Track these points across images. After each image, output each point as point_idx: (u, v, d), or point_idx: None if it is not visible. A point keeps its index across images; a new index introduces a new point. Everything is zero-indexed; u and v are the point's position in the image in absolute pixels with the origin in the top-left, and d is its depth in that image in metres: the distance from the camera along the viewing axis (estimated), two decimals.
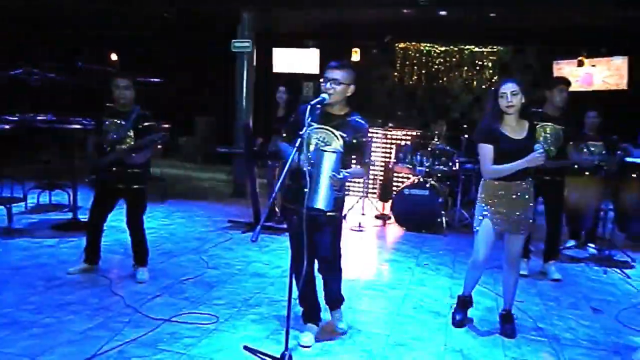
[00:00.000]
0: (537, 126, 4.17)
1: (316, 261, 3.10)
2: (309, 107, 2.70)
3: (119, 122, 3.86)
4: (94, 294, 3.62)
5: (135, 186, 3.92)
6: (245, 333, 3.16)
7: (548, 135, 4.30)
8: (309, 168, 2.79)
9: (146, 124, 3.89)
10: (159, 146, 4.03)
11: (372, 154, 7.12)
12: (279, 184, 2.58)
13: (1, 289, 3.60)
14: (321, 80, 2.91)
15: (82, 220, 5.30)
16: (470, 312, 3.61)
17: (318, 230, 3.01)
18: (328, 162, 2.70)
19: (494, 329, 3.41)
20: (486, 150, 3.17)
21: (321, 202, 2.72)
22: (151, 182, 7.14)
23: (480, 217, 3.26)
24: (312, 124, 2.90)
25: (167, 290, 3.78)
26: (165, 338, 3.03)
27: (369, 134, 3.06)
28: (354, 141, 2.92)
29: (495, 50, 9.56)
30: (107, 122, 3.89)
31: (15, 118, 5.36)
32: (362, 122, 2.98)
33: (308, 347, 3.04)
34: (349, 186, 7.86)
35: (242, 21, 7.56)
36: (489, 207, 3.22)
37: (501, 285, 3.55)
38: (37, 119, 5.31)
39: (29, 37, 8.12)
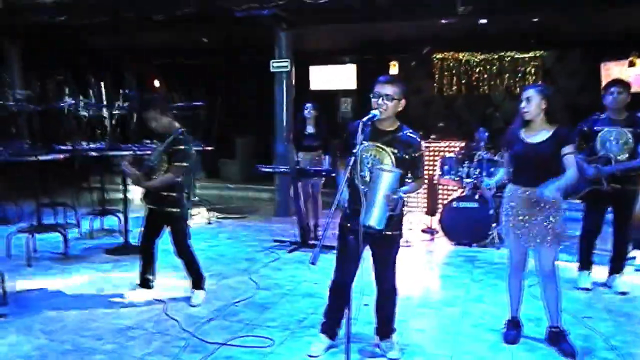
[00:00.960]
0: (603, 131, 4.02)
1: (375, 284, 3.07)
2: (360, 124, 2.66)
3: (158, 145, 3.94)
4: (150, 319, 3.66)
5: (167, 209, 3.89)
6: (301, 355, 3.10)
7: (613, 141, 4.04)
8: (363, 187, 2.80)
9: (175, 147, 3.82)
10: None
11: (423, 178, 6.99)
12: (334, 205, 2.54)
13: (62, 316, 3.69)
14: (371, 95, 2.87)
15: (133, 244, 5.42)
16: (535, 330, 3.44)
17: (376, 250, 2.99)
18: (385, 181, 2.67)
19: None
20: (506, 156, 3.30)
21: (375, 220, 2.70)
22: (194, 204, 7.29)
23: (505, 225, 3.23)
24: (363, 142, 2.87)
25: (220, 313, 3.78)
26: None
27: (422, 149, 2.98)
28: (406, 157, 2.87)
29: (537, 55, 9.31)
30: (154, 147, 4.00)
31: (68, 147, 5.55)
32: (414, 136, 2.92)
33: (315, 356, 3.04)
34: None
35: (278, 41, 7.65)
36: (510, 212, 3.18)
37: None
38: (90, 147, 5.48)
39: (77, 68, 8.49)
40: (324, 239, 2.42)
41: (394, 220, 2.89)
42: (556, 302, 3.18)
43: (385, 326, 3.19)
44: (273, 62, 7.62)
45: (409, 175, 2.95)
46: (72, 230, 6.09)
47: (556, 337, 3.19)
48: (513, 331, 3.34)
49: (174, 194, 3.88)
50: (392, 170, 2.71)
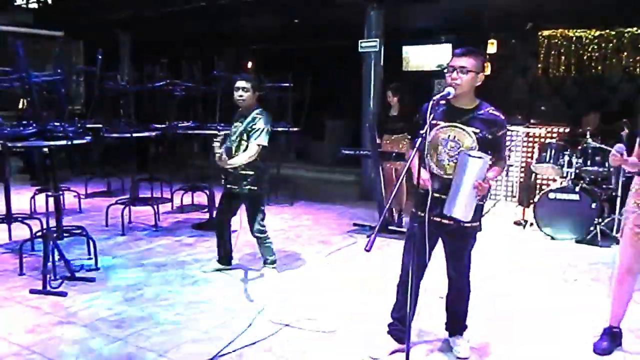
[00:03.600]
0: None
1: (447, 278, 2.88)
2: (430, 103, 2.43)
3: (239, 125, 3.91)
4: (222, 294, 3.74)
5: (247, 188, 3.90)
6: (365, 344, 2.98)
7: None
8: (440, 172, 2.61)
9: (255, 126, 3.82)
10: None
11: (513, 154, 6.49)
12: (395, 190, 2.36)
13: (144, 284, 3.90)
14: (445, 71, 2.62)
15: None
16: (636, 342, 3.01)
17: (450, 243, 2.78)
18: (473, 168, 2.45)
19: None
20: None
21: (460, 212, 2.51)
22: (281, 183, 7.42)
23: (624, 220, 2.80)
24: (439, 122, 2.65)
25: (289, 294, 3.77)
26: (283, 343, 2.99)
27: (506, 127, 2.70)
28: (489, 136, 2.60)
29: None
30: (234, 125, 4.00)
31: (162, 125, 5.85)
32: (496, 113, 2.64)
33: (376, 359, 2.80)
34: None
35: (368, 20, 7.43)
36: (634, 207, 2.74)
37: None
38: (179, 125, 5.73)
39: (171, 51, 8.97)
40: (378, 226, 2.25)
41: (477, 211, 2.64)
42: None
43: (455, 323, 2.98)
44: (361, 42, 7.43)
45: (491, 157, 2.64)
46: (165, 204, 6.47)
47: None
48: (606, 342, 2.94)
49: (253, 173, 3.88)
50: (482, 157, 2.47)
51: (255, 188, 3.92)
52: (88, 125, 6.21)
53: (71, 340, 2.97)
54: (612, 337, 2.97)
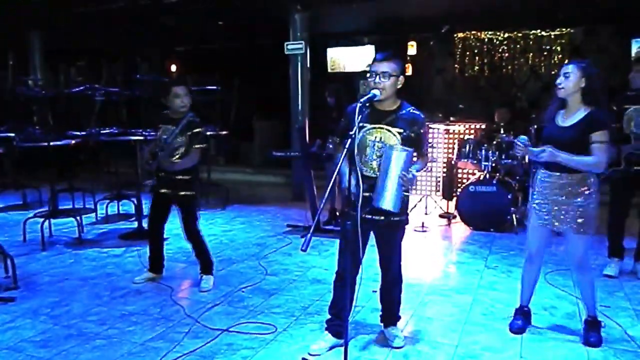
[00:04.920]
0: (630, 110, 3.84)
1: (380, 270, 3.00)
2: (358, 105, 2.54)
3: (171, 128, 3.86)
4: (156, 304, 3.65)
5: (182, 192, 3.87)
6: (303, 343, 3.04)
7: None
8: (368, 171, 2.73)
9: (195, 130, 3.85)
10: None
11: (434, 150, 6.82)
12: (328, 190, 2.43)
13: (69, 300, 3.71)
14: (367, 75, 2.75)
15: (146, 229, 5.44)
16: (549, 319, 3.30)
17: (381, 236, 2.90)
18: (397, 161, 2.59)
19: (575, 338, 3.09)
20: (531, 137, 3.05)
21: (389, 202, 2.63)
22: (212, 188, 7.31)
23: (530, 208, 3.08)
24: (365, 125, 2.76)
25: (226, 299, 3.75)
26: (222, 349, 2.97)
27: (426, 124, 2.88)
28: (412, 135, 2.76)
29: (564, 32, 8.90)
30: (161, 128, 3.90)
31: (82, 133, 5.58)
32: (417, 112, 2.81)
33: (316, 355, 2.87)
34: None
35: (293, 22, 7.50)
36: (537, 197, 3.02)
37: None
38: (101, 132, 5.49)
39: (88, 52, 8.54)
40: (315, 224, 2.31)
41: (403, 203, 2.78)
42: (591, 291, 3.03)
43: (390, 313, 3.11)
44: (287, 44, 7.49)
45: (415, 153, 2.82)
46: (88, 215, 6.17)
47: (591, 326, 3.04)
48: (520, 320, 3.20)
49: (188, 177, 3.88)
50: (405, 150, 2.61)
51: (191, 192, 3.91)
52: None
53: None
54: (524, 316, 3.24)
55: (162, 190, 3.92)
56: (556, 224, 2.94)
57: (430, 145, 6.16)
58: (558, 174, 2.90)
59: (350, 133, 2.49)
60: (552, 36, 8.95)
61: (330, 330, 2.99)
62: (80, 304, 3.64)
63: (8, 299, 3.66)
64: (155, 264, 4.17)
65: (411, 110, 2.79)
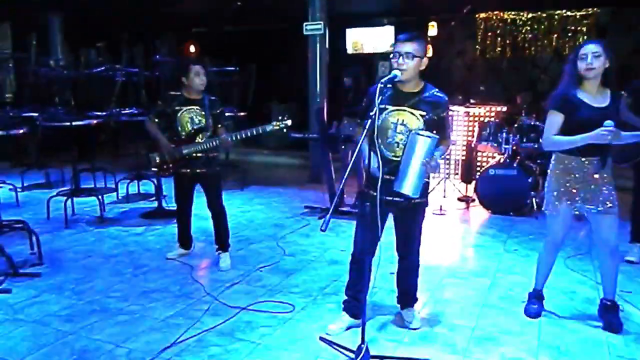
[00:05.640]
0: None
1: (397, 254, 2.99)
2: (378, 86, 2.51)
3: (197, 109, 3.88)
4: (176, 282, 3.71)
5: (208, 171, 3.94)
6: (321, 323, 3.07)
7: None
8: (390, 154, 2.70)
9: (220, 109, 3.98)
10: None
11: (453, 133, 6.75)
12: (347, 171, 2.42)
13: (92, 277, 3.80)
14: (391, 56, 2.70)
15: (167, 208, 5.53)
16: (568, 303, 3.28)
17: (400, 219, 2.88)
18: (422, 147, 2.55)
19: (594, 323, 3.06)
20: (555, 119, 2.86)
21: (409, 188, 2.61)
22: (231, 169, 7.35)
23: (550, 197, 2.98)
24: (388, 106, 2.74)
25: (244, 278, 3.80)
26: (241, 327, 3.02)
27: (449, 108, 2.82)
28: (435, 117, 2.72)
29: (590, 13, 8.65)
30: (182, 110, 3.86)
31: (102, 113, 5.64)
32: (441, 95, 2.76)
33: (332, 335, 2.88)
34: None
35: (312, 3, 7.42)
36: (560, 184, 2.94)
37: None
38: (121, 113, 5.55)
39: (110, 35, 8.57)
40: (332, 206, 2.31)
41: (422, 188, 2.76)
42: (615, 275, 2.99)
43: (407, 296, 3.11)
44: (306, 25, 7.42)
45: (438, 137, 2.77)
46: (109, 194, 6.27)
47: (610, 310, 3.01)
48: (536, 305, 3.19)
49: (216, 154, 4.03)
50: (430, 136, 2.57)
51: (219, 169, 4.07)
52: (23, 115, 5.93)
53: (19, 338, 2.88)
54: (539, 300, 3.22)
55: (187, 170, 3.95)
56: (588, 207, 2.89)
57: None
58: (594, 159, 2.83)
59: (371, 114, 2.47)
60: (578, 16, 8.71)
61: (347, 311, 3.01)
62: (103, 281, 3.73)
63: (34, 274, 3.76)
64: (185, 241, 4.27)
65: (435, 93, 2.74)
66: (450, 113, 2.81)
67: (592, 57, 2.74)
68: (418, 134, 2.59)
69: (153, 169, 4.02)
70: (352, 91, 5.74)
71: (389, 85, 2.66)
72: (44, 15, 9.46)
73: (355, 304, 2.93)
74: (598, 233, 2.96)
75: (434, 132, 2.68)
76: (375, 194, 2.61)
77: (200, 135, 3.88)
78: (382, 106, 2.71)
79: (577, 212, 3.00)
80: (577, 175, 2.89)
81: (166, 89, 4.50)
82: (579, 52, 2.81)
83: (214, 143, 3.85)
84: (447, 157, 7.05)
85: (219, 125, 3.95)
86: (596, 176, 2.85)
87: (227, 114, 4.09)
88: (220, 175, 4.11)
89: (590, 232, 3.07)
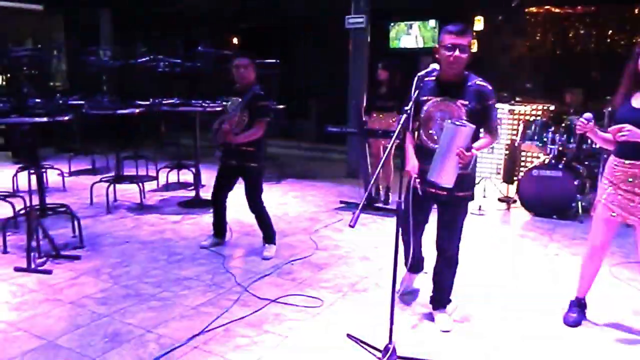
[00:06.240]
0: None
1: (435, 248, 2.98)
2: (416, 79, 2.47)
3: (237, 100, 3.93)
4: (208, 271, 3.76)
5: (247, 164, 3.96)
6: (349, 319, 3.03)
7: None
8: (433, 145, 2.66)
9: (260, 104, 3.91)
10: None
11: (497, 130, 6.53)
12: (380, 165, 2.37)
13: (129, 262, 3.90)
14: (443, 50, 2.61)
15: (204, 198, 5.62)
16: (610, 314, 3.11)
17: (442, 213, 2.87)
18: (457, 136, 2.49)
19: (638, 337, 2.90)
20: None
21: (442, 177, 2.55)
22: (268, 162, 7.39)
23: (598, 199, 2.84)
24: (430, 97, 2.71)
25: (275, 270, 3.80)
26: (270, 319, 3.02)
27: (495, 98, 2.74)
28: (479, 107, 2.65)
29: None
30: (228, 101, 3.99)
31: (145, 103, 5.77)
32: (484, 84, 2.69)
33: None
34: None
35: None
36: (608, 187, 2.78)
37: None
38: (163, 102, 5.66)
39: (155, 26, 8.78)
40: (366, 201, 2.26)
41: (465, 181, 2.72)
42: None
43: (440, 296, 3.05)
44: (348, 19, 7.35)
45: (482, 128, 2.74)
46: (150, 182, 6.43)
47: None
48: (575, 313, 3.03)
49: (253, 149, 3.95)
50: (465, 125, 2.50)
51: (256, 165, 3.99)
52: (70, 102, 6.14)
53: (57, 317, 2.98)
54: (580, 309, 3.06)
55: (228, 162, 4.01)
56: (625, 215, 2.73)
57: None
58: (630, 161, 2.68)
59: (406, 108, 2.41)
60: (636, 11, 8.24)
61: (409, 269, 3.31)
62: (138, 266, 3.81)
63: (74, 256, 3.89)
64: (219, 230, 4.32)
65: (478, 82, 2.68)
66: (495, 100, 2.71)
67: None
68: (452, 123, 2.52)
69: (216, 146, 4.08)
70: (386, 85, 5.64)
71: (426, 79, 2.62)
72: (96, 9, 9.82)
73: (414, 263, 3.21)
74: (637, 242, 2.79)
75: (479, 123, 2.62)
76: (418, 184, 2.63)
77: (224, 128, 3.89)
78: (425, 98, 2.71)
79: (617, 218, 2.81)
80: (620, 178, 2.73)
81: (207, 81, 4.57)
82: None
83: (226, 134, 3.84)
84: (489, 155, 6.85)
85: (258, 119, 3.88)
86: (636, 181, 2.68)
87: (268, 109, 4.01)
88: (259, 171, 4.04)
89: None
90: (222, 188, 4.19)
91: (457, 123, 2.52)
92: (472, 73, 2.72)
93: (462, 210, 2.86)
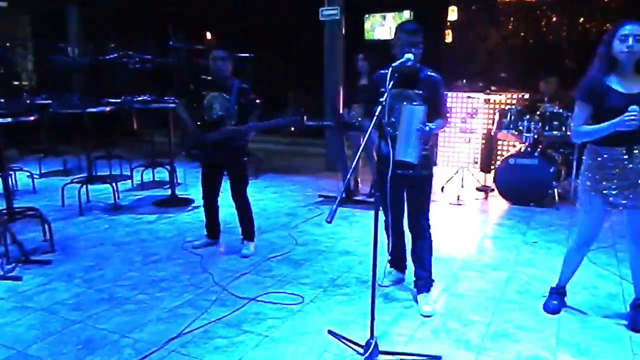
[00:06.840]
0: None
1: (408, 227, 3.19)
2: (390, 71, 2.50)
3: (223, 95, 3.80)
4: (186, 271, 3.67)
5: (238, 159, 3.90)
6: (330, 316, 3.00)
7: None
8: (393, 132, 2.84)
9: (250, 97, 3.86)
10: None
11: (472, 120, 6.56)
12: (354, 161, 2.35)
13: (103, 265, 3.79)
14: (403, 45, 2.84)
15: (180, 195, 5.52)
16: (589, 299, 3.14)
17: (410, 190, 3.09)
18: (414, 115, 2.76)
19: (617, 321, 2.92)
20: (581, 110, 2.71)
21: (409, 153, 2.80)
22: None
23: (585, 190, 2.80)
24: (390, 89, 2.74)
25: (254, 268, 3.74)
26: (249, 318, 2.96)
27: (443, 86, 3.03)
28: (430, 95, 2.92)
29: None
30: (208, 95, 3.82)
31: (116, 100, 5.61)
32: (434, 74, 2.96)
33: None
34: (447, 157, 7.38)
35: None
36: (595, 177, 2.75)
37: (628, 268, 3.00)
38: (135, 100, 5.51)
39: (124, 22, 8.55)
40: (343, 195, 2.22)
41: (428, 159, 3.02)
42: None
43: (421, 273, 3.16)
44: (322, 10, 7.27)
45: (435, 114, 2.97)
46: (124, 182, 6.28)
47: (638, 310, 2.85)
48: (556, 301, 3.05)
49: (244, 143, 3.94)
50: (420, 104, 2.82)
51: (246, 159, 3.99)
52: (37, 102, 5.94)
53: (27, 325, 2.87)
54: (560, 297, 3.08)
55: (213, 160, 3.92)
56: (623, 201, 2.71)
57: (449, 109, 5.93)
58: (622, 147, 2.65)
59: (381, 100, 2.39)
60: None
61: (392, 265, 3.44)
62: (113, 269, 3.71)
63: (45, 261, 3.77)
64: (212, 231, 4.24)
65: (428, 73, 2.96)
66: (445, 89, 3.02)
67: (634, 39, 2.53)
68: (408, 104, 2.81)
69: (185, 153, 3.99)
70: (367, 76, 5.59)
71: (382, 71, 2.88)
72: (63, 6, 9.51)
73: (397, 258, 3.41)
74: (631, 229, 2.79)
75: (433, 110, 2.90)
76: (386, 169, 2.78)
77: (224, 123, 3.79)
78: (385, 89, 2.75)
79: (610, 207, 2.77)
80: (610, 166, 2.71)
81: (179, 77, 4.45)
82: (617, 33, 2.58)
83: (233, 132, 3.76)
84: (465, 145, 6.88)
85: (252, 113, 3.85)
86: (631, 166, 2.68)
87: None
88: (245, 166, 3.99)
89: (615, 224, 2.89)
90: (213, 190, 4.09)
91: (414, 104, 2.82)
92: (424, 66, 2.97)
93: (429, 187, 3.13)
